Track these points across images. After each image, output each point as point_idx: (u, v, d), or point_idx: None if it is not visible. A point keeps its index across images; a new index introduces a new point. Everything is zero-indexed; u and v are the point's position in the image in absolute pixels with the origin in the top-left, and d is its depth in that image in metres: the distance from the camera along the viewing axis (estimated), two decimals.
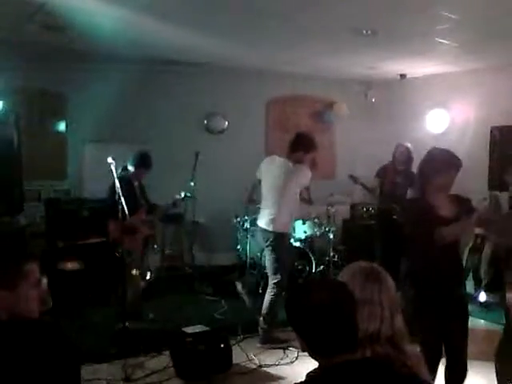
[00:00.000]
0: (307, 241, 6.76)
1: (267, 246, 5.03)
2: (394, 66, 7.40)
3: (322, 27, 5.47)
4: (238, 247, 7.17)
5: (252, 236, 6.70)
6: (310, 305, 1.62)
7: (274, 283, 4.96)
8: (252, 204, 5.84)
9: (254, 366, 4.55)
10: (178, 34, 5.75)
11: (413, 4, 4.62)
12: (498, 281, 4.94)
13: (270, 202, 5.04)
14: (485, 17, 4.92)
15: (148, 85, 7.16)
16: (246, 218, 6.87)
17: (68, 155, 6.94)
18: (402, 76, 7.91)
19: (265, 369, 4.54)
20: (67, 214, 6.11)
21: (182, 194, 5.80)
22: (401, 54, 6.67)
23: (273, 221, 4.96)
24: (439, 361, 3.10)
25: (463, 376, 3.19)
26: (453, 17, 4.89)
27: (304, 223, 6.78)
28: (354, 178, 6.50)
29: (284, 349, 4.85)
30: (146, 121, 7.19)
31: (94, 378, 4.18)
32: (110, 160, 4.82)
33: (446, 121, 7.78)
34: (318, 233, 6.94)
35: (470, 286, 5.57)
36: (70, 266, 5.87)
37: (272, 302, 4.93)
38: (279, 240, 4.99)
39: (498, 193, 5.84)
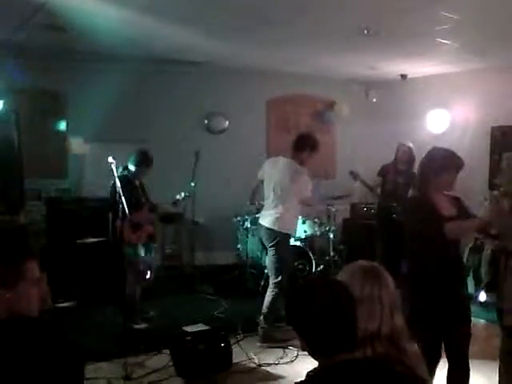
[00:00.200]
0: (307, 240, 6.76)
1: (270, 246, 5.03)
2: (394, 66, 7.41)
3: (324, 27, 5.47)
4: (238, 246, 7.18)
5: (253, 235, 6.72)
6: (310, 304, 1.62)
7: (275, 283, 4.96)
8: (254, 204, 5.86)
9: (254, 365, 4.54)
10: (178, 33, 5.76)
11: (413, 4, 4.63)
12: (497, 281, 4.94)
13: (274, 202, 5.03)
14: (485, 17, 4.93)
15: (148, 84, 7.16)
16: (246, 217, 6.88)
17: (68, 154, 6.94)
18: (403, 76, 7.92)
19: (265, 368, 4.53)
20: (67, 212, 6.12)
21: (182, 194, 5.81)
22: (402, 55, 6.68)
23: (278, 220, 4.96)
24: (438, 362, 3.09)
25: (466, 378, 3.18)
26: (453, 17, 4.89)
27: (304, 222, 6.78)
28: (354, 175, 6.51)
29: (284, 348, 4.85)
30: (147, 120, 7.19)
31: (95, 377, 4.19)
32: (110, 159, 4.84)
33: (447, 121, 7.78)
34: (318, 232, 6.94)
35: (470, 285, 5.58)
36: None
37: (273, 301, 4.94)
38: (283, 240, 5.01)
39: (498, 193, 5.83)
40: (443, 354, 3.18)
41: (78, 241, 6.04)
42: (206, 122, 7.84)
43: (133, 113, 7.09)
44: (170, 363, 4.37)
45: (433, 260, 3.06)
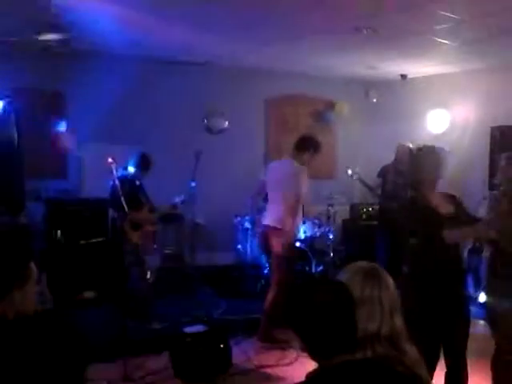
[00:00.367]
0: (307, 241, 6.75)
1: (274, 245, 5.03)
2: (394, 66, 7.41)
3: (324, 27, 5.47)
4: (238, 247, 7.17)
5: (254, 235, 6.71)
6: (310, 305, 1.62)
7: (278, 282, 4.96)
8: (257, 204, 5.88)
9: (254, 367, 4.54)
10: (178, 33, 5.76)
11: (414, 4, 4.62)
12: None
13: (278, 202, 5.05)
14: (485, 17, 4.92)
15: (148, 84, 7.15)
16: (246, 217, 6.87)
17: (68, 155, 6.93)
18: (403, 76, 7.91)
19: (264, 369, 4.54)
20: (67, 213, 6.11)
21: (182, 197, 5.83)
22: (402, 54, 6.68)
23: (281, 220, 4.98)
24: (436, 362, 3.08)
25: (464, 378, 3.18)
26: (454, 17, 4.89)
27: (304, 223, 6.77)
28: (352, 173, 6.51)
29: (283, 349, 4.84)
30: (146, 120, 7.19)
31: (94, 378, 4.18)
32: (110, 160, 4.87)
33: (447, 121, 7.78)
34: (317, 233, 6.94)
35: (470, 286, 5.58)
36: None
37: (275, 301, 4.93)
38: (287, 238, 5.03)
39: (497, 192, 5.83)
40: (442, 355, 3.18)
41: (78, 241, 6.03)
42: (205, 122, 7.84)
43: (132, 113, 7.08)
44: (170, 364, 4.37)
45: (432, 260, 3.05)
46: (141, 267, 5.31)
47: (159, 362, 4.50)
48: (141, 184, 5.52)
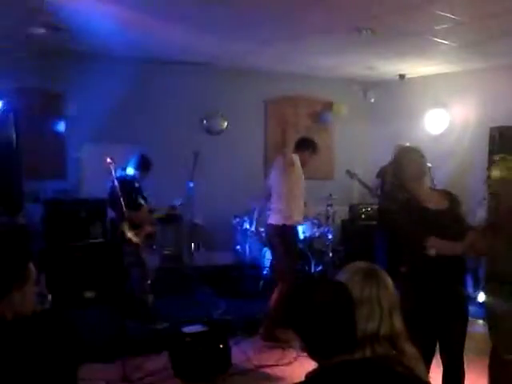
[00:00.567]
0: (306, 241, 6.76)
1: (278, 241, 5.12)
2: (393, 66, 7.41)
3: (322, 27, 5.47)
4: (237, 247, 7.17)
5: (252, 236, 6.72)
6: (309, 305, 1.62)
7: (283, 280, 5.00)
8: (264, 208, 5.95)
9: (253, 367, 4.54)
10: (177, 33, 5.75)
11: (412, 4, 4.63)
12: None
13: (277, 198, 5.19)
14: (484, 17, 4.92)
15: (147, 85, 7.15)
16: (245, 218, 6.88)
17: (67, 155, 6.93)
18: (401, 76, 7.91)
19: (264, 369, 4.54)
20: (66, 213, 6.11)
21: (180, 201, 5.85)
22: (400, 54, 6.68)
23: (279, 213, 5.11)
24: (431, 360, 3.08)
25: (461, 377, 3.19)
26: (452, 17, 4.89)
27: (303, 223, 6.77)
28: (350, 174, 6.51)
29: (283, 349, 4.85)
30: (145, 121, 7.18)
31: (93, 378, 4.18)
32: (108, 160, 4.88)
33: (446, 121, 7.78)
34: (316, 233, 6.94)
35: (469, 286, 5.58)
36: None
37: (279, 300, 4.96)
38: (290, 232, 5.16)
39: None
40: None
41: (76, 242, 6.03)
42: (204, 122, 7.83)
43: (131, 113, 7.08)
44: (169, 364, 4.37)
45: (426, 259, 3.04)
46: (141, 268, 5.31)
47: (158, 362, 4.50)
48: (140, 185, 5.53)
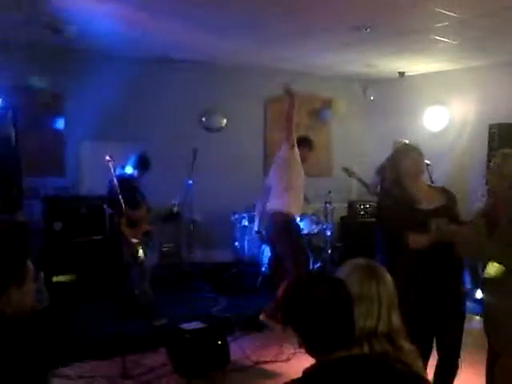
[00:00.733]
0: (305, 238, 6.76)
1: (283, 231, 5.21)
2: (392, 64, 7.40)
3: (321, 25, 5.46)
4: (236, 244, 7.18)
5: (250, 233, 6.72)
6: (308, 301, 1.62)
7: (293, 270, 5.07)
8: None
9: (251, 363, 4.55)
10: (176, 31, 5.74)
11: (411, 1, 4.62)
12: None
13: (275, 192, 5.33)
14: (483, 14, 4.92)
15: (146, 83, 7.15)
16: (244, 215, 6.88)
17: (66, 152, 6.93)
18: (401, 74, 7.91)
19: (262, 365, 4.54)
20: (65, 210, 6.11)
21: (178, 200, 5.86)
22: (399, 52, 6.67)
23: (280, 204, 5.23)
24: (429, 356, 3.08)
25: (453, 375, 3.18)
26: (452, 14, 4.89)
27: (301, 220, 6.78)
28: (347, 171, 6.51)
29: (281, 346, 4.85)
30: (144, 118, 7.18)
31: (92, 375, 4.20)
32: (107, 158, 4.89)
33: (445, 118, 7.79)
34: (315, 230, 6.95)
35: (467, 282, 5.59)
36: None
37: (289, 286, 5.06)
38: (291, 221, 5.27)
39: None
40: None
41: (76, 239, 6.04)
42: (203, 120, 7.83)
43: (131, 111, 7.07)
44: (168, 361, 4.37)
45: (418, 256, 3.03)
46: (139, 265, 5.31)
47: (157, 358, 4.51)
48: (138, 184, 5.53)
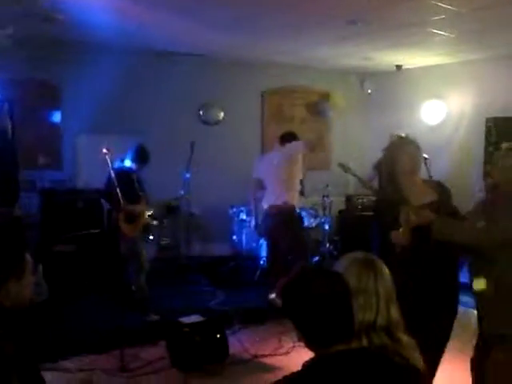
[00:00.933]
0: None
1: (288, 225, 5.48)
2: (389, 57, 7.39)
3: (318, 18, 5.44)
4: (234, 237, 7.18)
5: (248, 226, 6.73)
6: (306, 295, 1.63)
7: (300, 260, 5.27)
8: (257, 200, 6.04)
9: (250, 356, 4.57)
10: (173, 24, 5.72)
11: None
12: None
13: (275, 186, 5.58)
14: (481, 8, 4.91)
15: (143, 76, 7.12)
16: (242, 208, 6.88)
17: (63, 145, 6.91)
18: (398, 67, 7.89)
19: (260, 359, 4.56)
20: (62, 204, 6.10)
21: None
22: (397, 45, 6.66)
23: (283, 197, 5.51)
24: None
25: (433, 373, 2.95)
26: (449, 7, 4.87)
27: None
28: (343, 167, 6.50)
29: (280, 339, 4.87)
30: (141, 111, 7.15)
31: (91, 368, 4.21)
32: (104, 150, 4.85)
33: (442, 112, 7.78)
34: (313, 223, 6.96)
35: (465, 276, 5.60)
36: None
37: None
38: (292, 215, 5.57)
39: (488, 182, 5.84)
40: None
41: (73, 232, 6.03)
42: (201, 113, 7.81)
43: (128, 104, 7.05)
44: (166, 354, 4.39)
45: (420, 251, 2.99)
46: (136, 262, 5.28)
47: (156, 352, 4.52)
48: (138, 177, 5.48)
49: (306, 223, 6.81)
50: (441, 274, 3.01)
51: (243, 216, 6.90)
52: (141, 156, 5.37)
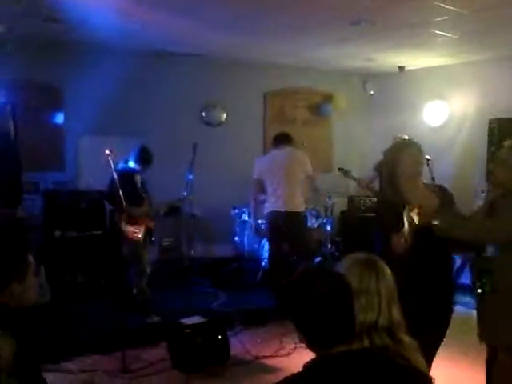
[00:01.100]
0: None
1: (297, 228, 5.57)
2: (392, 58, 7.38)
3: (321, 19, 5.45)
4: (236, 239, 7.17)
5: (250, 228, 6.72)
6: (308, 295, 1.62)
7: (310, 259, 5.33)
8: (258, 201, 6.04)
9: (252, 358, 4.56)
10: (175, 25, 5.73)
11: None
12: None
13: (282, 187, 5.62)
14: (483, 8, 4.90)
15: (146, 77, 7.13)
16: (244, 209, 6.88)
17: (66, 147, 6.92)
18: (401, 68, 7.89)
19: (262, 360, 4.55)
20: (65, 205, 6.11)
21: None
22: (399, 46, 6.66)
23: (290, 201, 5.58)
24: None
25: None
26: (452, 8, 4.87)
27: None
28: (343, 171, 6.48)
29: (281, 340, 4.86)
30: (144, 113, 7.16)
31: (93, 369, 4.21)
32: (107, 152, 4.83)
33: (445, 113, 7.77)
34: (315, 224, 6.95)
35: (466, 277, 5.58)
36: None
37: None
38: (300, 219, 5.66)
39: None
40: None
41: (75, 234, 6.03)
42: (203, 114, 7.82)
43: (130, 105, 7.06)
44: (168, 356, 4.38)
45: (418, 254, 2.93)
46: (138, 265, 5.26)
47: (157, 353, 4.52)
48: (142, 179, 5.45)
49: (308, 224, 6.80)
50: (440, 274, 3.00)
51: (245, 217, 6.89)
52: (144, 157, 5.34)
